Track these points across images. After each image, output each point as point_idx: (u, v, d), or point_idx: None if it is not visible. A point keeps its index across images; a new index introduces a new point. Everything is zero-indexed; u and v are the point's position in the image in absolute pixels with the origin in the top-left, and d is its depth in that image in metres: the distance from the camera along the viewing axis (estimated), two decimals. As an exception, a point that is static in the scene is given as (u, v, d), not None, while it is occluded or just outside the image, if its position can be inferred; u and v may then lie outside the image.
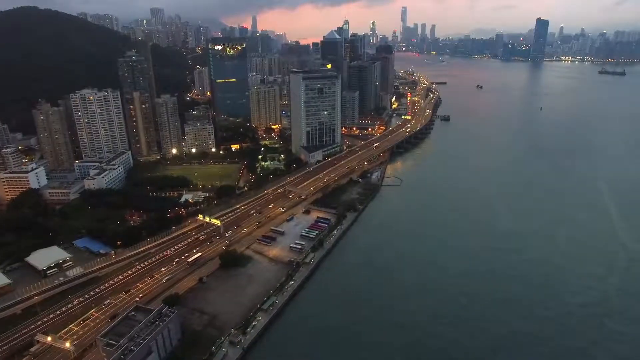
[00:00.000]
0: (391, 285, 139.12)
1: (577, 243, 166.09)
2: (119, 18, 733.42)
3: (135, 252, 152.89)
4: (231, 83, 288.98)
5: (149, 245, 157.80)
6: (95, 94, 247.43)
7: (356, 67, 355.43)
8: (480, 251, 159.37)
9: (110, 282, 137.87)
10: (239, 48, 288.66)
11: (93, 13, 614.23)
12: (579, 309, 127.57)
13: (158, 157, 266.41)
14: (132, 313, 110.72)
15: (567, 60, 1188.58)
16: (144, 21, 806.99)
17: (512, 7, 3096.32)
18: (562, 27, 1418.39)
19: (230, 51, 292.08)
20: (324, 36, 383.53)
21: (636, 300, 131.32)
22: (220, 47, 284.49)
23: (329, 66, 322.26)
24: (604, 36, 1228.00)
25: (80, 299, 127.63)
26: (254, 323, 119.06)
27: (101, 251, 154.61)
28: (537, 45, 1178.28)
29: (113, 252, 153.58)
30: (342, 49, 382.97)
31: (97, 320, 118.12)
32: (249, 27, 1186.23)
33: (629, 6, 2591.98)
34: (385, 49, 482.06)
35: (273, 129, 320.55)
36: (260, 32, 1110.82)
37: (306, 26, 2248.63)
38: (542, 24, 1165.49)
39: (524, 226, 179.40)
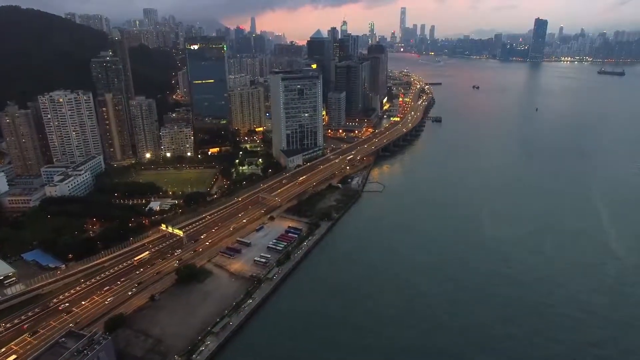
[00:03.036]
0: (362, 304, 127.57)
1: (565, 252, 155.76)
2: (110, 19, 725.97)
3: (87, 265, 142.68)
4: (209, 84, 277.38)
5: (104, 258, 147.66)
6: (66, 96, 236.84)
7: (343, 67, 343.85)
8: (463, 261, 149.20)
9: (54, 300, 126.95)
10: (216, 47, 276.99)
11: (82, 13, 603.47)
12: (565, 322, 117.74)
13: (133, 162, 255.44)
14: (63, 339, 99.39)
15: (566, 61, 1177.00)
16: (137, 22, 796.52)
17: (514, 8, 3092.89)
18: (561, 28, 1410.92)
19: (213, 48, 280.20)
20: (310, 36, 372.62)
21: (623, 316, 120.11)
22: (196, 47, 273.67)
23: (314, 66, 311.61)
24: (604, 36, 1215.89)
25: (15, 321, 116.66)
26: (201, 348, 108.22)
27: (51, 265, 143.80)
28: (535, 46, 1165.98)
29: (63, 265, 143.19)
30: (329, 49, 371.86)
31: (29, 347, 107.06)
32: (248, 28, 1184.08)
33: (630, 7, 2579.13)
34: (378, 49, 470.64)
35: (256, 132, 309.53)
36: (259, 32, 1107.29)
37: (306, 27, 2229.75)
38: (540, 24, 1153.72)
39: (511, 233, 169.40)
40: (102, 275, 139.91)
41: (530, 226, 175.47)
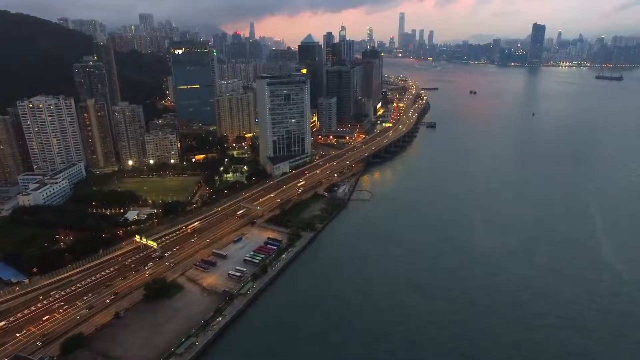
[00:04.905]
0: (341, 323, 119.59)
1: (558, 264, 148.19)
2: (106, 24, 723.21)
3: (52, 280, 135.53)
4: (194, 89, 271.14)
5: (71, 272, 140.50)
6: (46, 102, 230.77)
7: (335, 72, 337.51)
8: (450, 275, 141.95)
9: (12, 318, 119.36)
10: (202, 52, 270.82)
11: (75, 18, 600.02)
12: (555, 344, 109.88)
13: (116, 169, 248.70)
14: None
15: (565, 66, 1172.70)
16: (132, 27, 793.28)
17: (514, 13, 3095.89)
18: (560, 33, 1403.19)
19: (198, 53, 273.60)
20: (301, 41, 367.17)
21: (616, 341, 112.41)
22: (181, 52, 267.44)
23: (304, 71, 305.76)
24: (602, 41, 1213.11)
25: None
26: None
27: (13, 280, 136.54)
28: (533, 51, 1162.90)
29: (26, 280, 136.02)
30: (320, 54, 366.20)
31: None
32: (247, 34, 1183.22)
33: (628, 13, 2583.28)
34: (372, 54, 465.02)
35: (244, 138, 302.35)
36: (258, 38, 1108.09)
37: (306, 33, 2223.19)
38: (538, 29, 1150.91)
39: (503, 244, 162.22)
40: (67, 290, 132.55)
41: (523, 235, 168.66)
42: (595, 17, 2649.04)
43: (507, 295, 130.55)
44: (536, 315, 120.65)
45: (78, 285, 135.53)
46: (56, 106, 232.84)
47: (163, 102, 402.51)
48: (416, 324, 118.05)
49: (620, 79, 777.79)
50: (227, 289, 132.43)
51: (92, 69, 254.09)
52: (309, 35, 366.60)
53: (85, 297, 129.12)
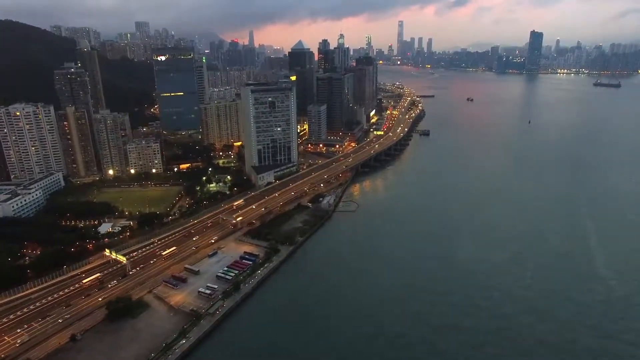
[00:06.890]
0: (317, 346, 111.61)
1: (549, 279, 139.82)
2: (102, 32, 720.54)
3: (9, 299, 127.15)
4: (178, 97, 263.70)
5: (31, 290, 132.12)
6: (23, 109, 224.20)
7: (325, 79, 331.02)
8: (436, 292, 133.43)
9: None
10: (185, 58, 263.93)
11: (68, 26, 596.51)
12: None
13: (97, 179, 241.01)
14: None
15: (563, 73, 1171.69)
16: (128, 35, 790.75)
17: (514, 21, 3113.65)
18: (558, 40, 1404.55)
19: (181, 59, 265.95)
20: (292, 47, 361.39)
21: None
22: (164, 58, 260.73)
23: (293, 78, 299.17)
24: (600, 49, 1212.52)
25: None
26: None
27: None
28: (531, 58, 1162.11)
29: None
30: (312, 60, 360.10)
31: None
32: (247, 42, 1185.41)
33: (628, 20, 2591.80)
34: (365, 61, 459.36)
35: (232, 147, 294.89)
36: (258, 46, 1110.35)
37: (306, 40, 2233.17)
38: (536, 36, 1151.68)
39: (492, 258, 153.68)
40: (24, 310, 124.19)
41: (514, 248, 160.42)
42: (593, 24, 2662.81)
43: (496, 313, 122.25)
44: (528, 336, 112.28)
45: (38, 303, 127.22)
46: (34, 114, 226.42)
47: (152, 110, 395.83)
48: (397, 345, 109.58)
49: (618, 86, 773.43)
50: (195, 308, 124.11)
51: (73, 76, 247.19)
52: (300, 42, 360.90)
53: (40, 319, 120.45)
